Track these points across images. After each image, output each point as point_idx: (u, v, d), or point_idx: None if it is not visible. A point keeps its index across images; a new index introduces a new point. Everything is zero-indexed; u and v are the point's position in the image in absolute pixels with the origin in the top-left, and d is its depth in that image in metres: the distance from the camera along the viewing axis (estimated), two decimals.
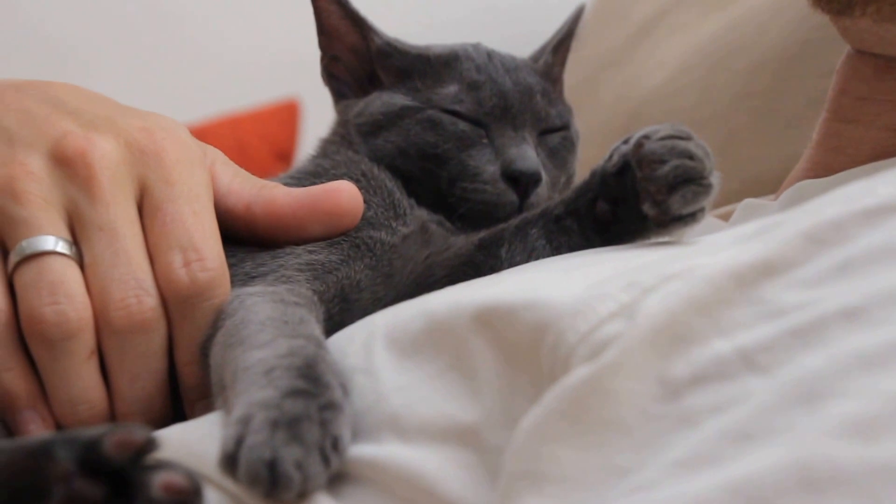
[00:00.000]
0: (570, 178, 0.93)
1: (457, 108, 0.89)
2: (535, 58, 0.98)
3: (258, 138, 2.12)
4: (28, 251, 0.72)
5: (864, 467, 0.43)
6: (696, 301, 0.53)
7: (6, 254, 0.73)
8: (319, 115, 1.18)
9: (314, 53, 0.97)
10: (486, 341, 0.60)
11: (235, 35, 2.32)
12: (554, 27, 1.01)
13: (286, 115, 2.20)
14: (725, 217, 0.98)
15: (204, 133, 1.83)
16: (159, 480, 0.54)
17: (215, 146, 0.85)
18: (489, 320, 0.60)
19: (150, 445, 0.55)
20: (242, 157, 0.83)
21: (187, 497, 0.54)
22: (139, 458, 0.55)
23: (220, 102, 2.18)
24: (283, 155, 2.15)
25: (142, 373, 0.74)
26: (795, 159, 1.00)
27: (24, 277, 0.72)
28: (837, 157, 0.90)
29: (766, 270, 0.53)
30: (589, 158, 0.94)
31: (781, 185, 0.99)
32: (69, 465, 0.55)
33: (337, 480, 0.58)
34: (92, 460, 0.55)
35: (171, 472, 0.54)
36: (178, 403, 0.76)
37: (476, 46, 0.94)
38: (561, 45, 1.00)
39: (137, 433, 0.55)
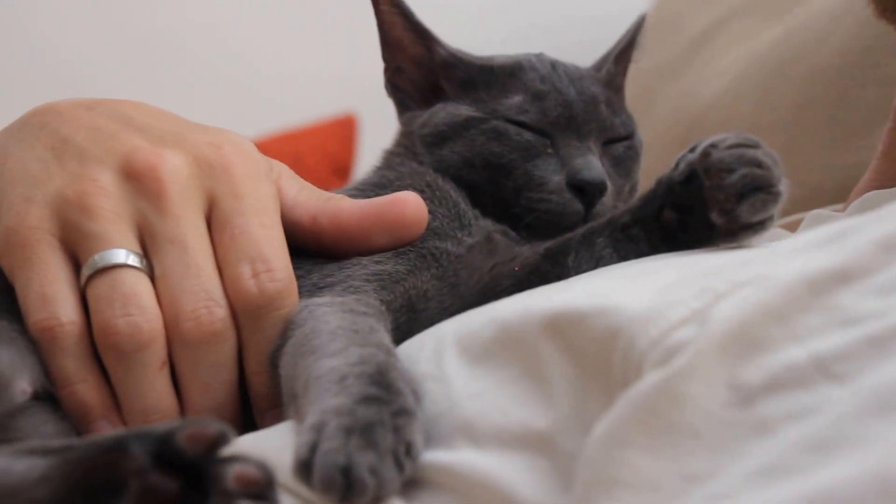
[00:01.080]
0: (633, 187, 0.93)
1: (522, 118, 0.89)
2: (598, 67, 0.98)
3: (316, 153, 2.12)
4: (100, 264, 0.73)
5: None
6: (769, 307, 0.52)
7: (79, 267, 0.74)
8: (377, 130, 1.18)
9: (372, 69, 0.98)
10: (558, 348, 0.60)
11: (293, 51, 2.33)
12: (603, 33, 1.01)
13: (344, 131, 2.20)
14: (791, 227, 0.97)
15: (262, 149, 1.83)
16: (233, 472, 0.55)
17: None
18: (560, 327, 0.60)
19: (223, 439, 0.55)
20: (300, 173, 0.83)
21: (261, 489, 0.55)
22: (212, 451, 0.55)
23: (277, 118, 2.19)
24: (341, 170, 2.15)
25: (212, 382, 0.75)
26: (857, 168, 0.99)
27: (97, 290, 0.73)
28: None
29: (841, 278, 0.53)
30: (648, 168, 0.94)
31: (849, 197, 0.98)
32: (144, 459, 0.55)
33: (411, 486, 0.59)
34: (166, 454, 0.55)
35: (244, 464, 0.55)
36: (249, 413, 0.77)
37: (539, 56, 0.94)
38: (623, 54, 1.00)
39: (210, 426, 0.55)
